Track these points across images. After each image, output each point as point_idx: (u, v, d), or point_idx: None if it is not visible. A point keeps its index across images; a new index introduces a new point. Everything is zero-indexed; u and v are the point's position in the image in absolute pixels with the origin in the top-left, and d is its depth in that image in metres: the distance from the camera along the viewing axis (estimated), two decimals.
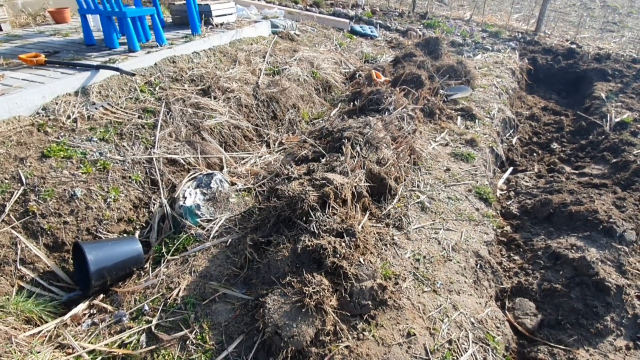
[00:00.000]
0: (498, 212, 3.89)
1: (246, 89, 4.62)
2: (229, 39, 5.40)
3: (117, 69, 3.70)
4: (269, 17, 7.59)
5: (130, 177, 3.16)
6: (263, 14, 7.81)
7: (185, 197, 3.15)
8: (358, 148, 3.19)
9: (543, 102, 7.56)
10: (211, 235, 2.86)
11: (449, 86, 5.83)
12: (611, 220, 3.25)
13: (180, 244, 2.81)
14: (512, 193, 4.24)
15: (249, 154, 4.17)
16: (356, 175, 2.98)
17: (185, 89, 4.15)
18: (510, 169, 4.77)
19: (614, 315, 2.61)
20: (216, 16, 5.79)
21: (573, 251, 3.09)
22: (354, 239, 2.47)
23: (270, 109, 4.72)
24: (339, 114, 4.71)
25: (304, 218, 2.55)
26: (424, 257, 2.83)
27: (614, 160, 4.87)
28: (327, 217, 2.57)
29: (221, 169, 3.82)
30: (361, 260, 2.39)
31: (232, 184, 3.52)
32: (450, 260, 2.85)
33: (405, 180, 3.66)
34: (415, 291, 2.53)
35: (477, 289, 2.72)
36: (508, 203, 4.07)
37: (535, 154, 5.54)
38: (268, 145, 4.47)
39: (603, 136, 5.60)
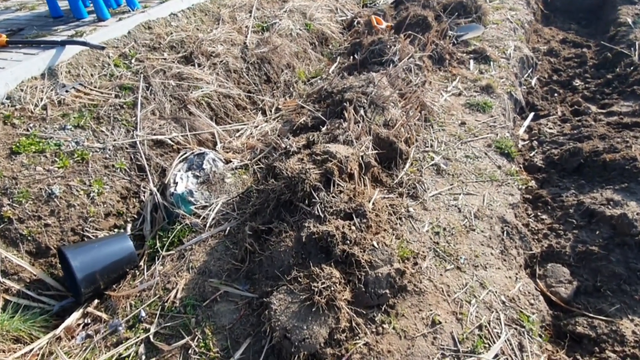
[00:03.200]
0: (521, 165, 3.53)
1: (233, 52, 4.16)
2: None
3: (84, 43, 3.28)
4: None
5: (113, 166, 2.87)
6: None
7: (176, 183, 2.87)
8: (362, 111, 2.82)
9: (562, 33, 6.87)
10: (208, 224, 2.61)
11: (458, 26, 5.24)
12: None
13: (174, 236, 2.57)
14: (535, 143, 3.85)
15: (244, 124, 3.82)
16: (362, 143, 2.63)
17: (165, 58, 3.72)
18: (531, 114, 4.34)
19: None
20: None
21: (610, 207, 2.77)
22: (364, 220, 2.18)
23: (262, 71, 4.28)
24: (339, 70, 4.26)
25: (307, 200, 2.25)
26: (444, 229, 2.55)
27: None
28: (333, 197, 2.27)
29: (214, 144, 3.50)
30: (375, 243, 2.12)
31: (227, 161, 3.21)
32: (474, 229, 2.57)
33: (416, 140, 3.30)
34: (437, 270, 2.28)
35: (505, 260, 2.46)
36: (531, 154, 3.70)
37: (556, 94, 5.05)
38: (264, 113, 4.09)
39: (632, 68, 5.04)
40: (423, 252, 2.36)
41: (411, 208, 2.69)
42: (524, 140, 3.95)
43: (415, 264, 2.28)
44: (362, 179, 2.52)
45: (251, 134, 3.72)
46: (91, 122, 2.98)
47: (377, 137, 2.81)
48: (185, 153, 3.19)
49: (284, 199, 2.29)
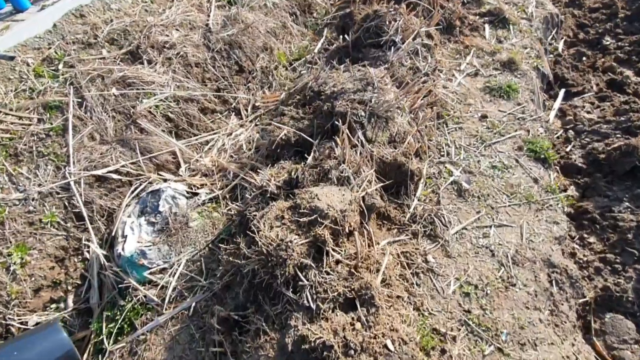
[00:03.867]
0: (557, 167, 2.87)
1: (193, 38, 3.33)
2: None
3: None
4: None
5: (40, 221, 2.21)
6: None
7: (125, 236, 2.22)
8: (360, 132, 2.10)
9: None
10: (167, 298, 2.00)
11: None
12: None
13: (124, 319, 1.97)
14: (570, 133, 3.15)
15: (214, 133, 3.10)
16: (363, 178, 1.96)
17: (103, 58, 2.92)
18: (562, 92, 3.59)
19: None
20: None
21: None
22: (372, 310, 1.57)
23: (232, 60, 3.47)
24: (326, 54, 3.45)
25: (291, 284, 1.62)
26: (476, 286, 1.95)
27: None
28: (327, 272, 1.64)
29: (177, 166, 2.81)
30: (389, 343, 1.52)
31: (192, 194, 2.54)
32: (514, 284, 1.97)
33: (429, 148, 2.62)
34: (473, 357, 1.71)
35: (557, 326, 1.88)
36: (567, 150, 3.03)
37: (585, 58, 4.25)
38: (238, 113, 3.35)
39: None
40: (452, 329, 1.78)
41: (430, 255, 2.07)
42: (556, 129, 3.25)
43: (444, 351, 1.70)
44: (364, 231, 1.88)
45: (223, 145, 3.01)
46: (6, 164, 2.28)
47: (381, 163, 2.13)
48: (138, 187, 2.52)
49: (259, 280, 1.67)
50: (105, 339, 1.93)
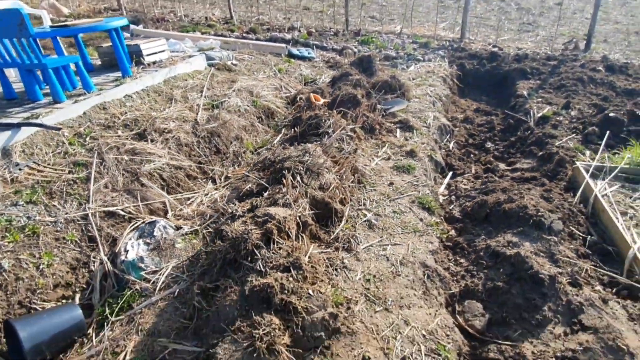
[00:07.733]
0: (442, 218, 4.07)
1: (185, 127, 4.57)
2: (162, 78, 5.33)
3: (40, 125, 3.54)
4: (205, 48, 7.60)
5: (64, 238, 3.00)
6: (198, 46, 7.80)
7: (127, 251, 3.04)
8: (299, 178, 3.25)
9: (475, 104, 8.08)
10: (157, 287, 2.77)
11: (385, 100, 6.09)
12: (539, 213, 3.52)
13: (124, 302, 2.69)
14: (453, 197, 4.47)
15: (195, 193, 4.10)
16: (299, 205, 3.02)
17: (119, 136, 4.03)
18: (450, 173, 5.04)
19: (550, 304, 2.81)
20: (147, 55, 5.70)
21: (510, 248, 3.30)
22: (301, 272, 2.49)
23: (212, 144, 4.69)
24: (282, 141, 4.77)
25: (250, 258, 2.54)
26: (374, 276, 2.91)
27: (540, 153, 5.28)
28: (273, 253, 2.58)
29: (165, 213, 3.73)
30: (310, 291, 2.41)
31: (178, 228, 3.44)
32: (399, 275, 2.95)
33: (351, 200, 3.76)
34: (368, 312, 2.59)
35: (426, 300, 2.83)
36: (450, 208, 4.29)
37: (472, 155, 5.88)
38: (214, 181, 4.42)
39: (529, 131, 6.07)
40: (355, 297, 2.68)
41: (346, 260, 3.04)
42: (444, 195, 4.57)
43: (349, 308, 2.58)
44: (300, 236, 2.87)
45: (201, 201, 4.00)
46: (44, 198, 3.15)
47: (313, 199, 3.22)
48: (136, 223, 3.39)
49: (229, 257, 2.56)
50: (108, 315, 2.62)
